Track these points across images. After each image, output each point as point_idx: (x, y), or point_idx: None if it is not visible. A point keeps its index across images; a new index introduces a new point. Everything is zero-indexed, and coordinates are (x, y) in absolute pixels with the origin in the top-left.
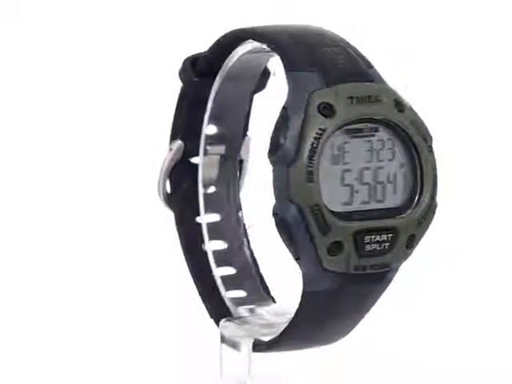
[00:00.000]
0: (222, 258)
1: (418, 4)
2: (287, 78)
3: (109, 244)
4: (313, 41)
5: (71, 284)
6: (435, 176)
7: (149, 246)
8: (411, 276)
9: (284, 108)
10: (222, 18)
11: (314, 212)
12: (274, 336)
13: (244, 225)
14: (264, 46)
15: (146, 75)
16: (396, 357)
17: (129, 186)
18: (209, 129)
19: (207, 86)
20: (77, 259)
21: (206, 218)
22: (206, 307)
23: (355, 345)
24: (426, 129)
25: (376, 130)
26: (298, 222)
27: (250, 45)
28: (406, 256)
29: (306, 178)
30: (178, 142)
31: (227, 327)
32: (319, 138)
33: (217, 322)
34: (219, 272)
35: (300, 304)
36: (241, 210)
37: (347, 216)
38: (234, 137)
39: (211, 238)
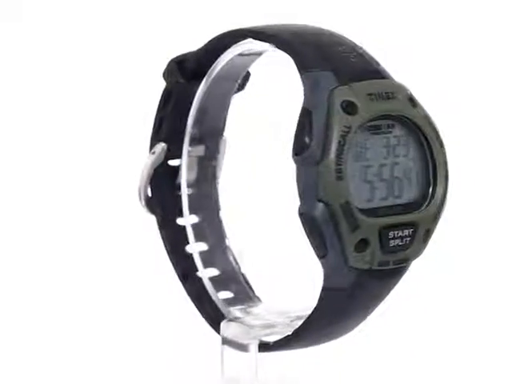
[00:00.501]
0: (207, 260)
1: (417, 4)
2: (302, 78)
3: (105, 246)
4: (321, 40)
5: (71, 285)
6: (447, 171)
7: (149, 247)
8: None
9: (305, 108)
10: (201, 18)
11: (343, 210)
12: (280, 336)
13: (223, 225)
14: (258, 48)
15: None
16: (396, 356)
17: (107, 191)
18: (193, 130)
19: (194, 88)
20: (76, 260)
21: (189, 220)
22: (198, 309)
23: (355, 344)
24: (435, 124)
25: (393, 127)
26: (327, 221)
27: (239, 47)
28: (422, 250)
29: (335, 176)
30: (162, 145)
31: (229, 329)
32: (345, 136)
33: (211, 324)
34: (206, 273)
35: (320, 301)
36: (220, 210)
37: (372, 212)
38: (213, 138)
39: (197, 239)
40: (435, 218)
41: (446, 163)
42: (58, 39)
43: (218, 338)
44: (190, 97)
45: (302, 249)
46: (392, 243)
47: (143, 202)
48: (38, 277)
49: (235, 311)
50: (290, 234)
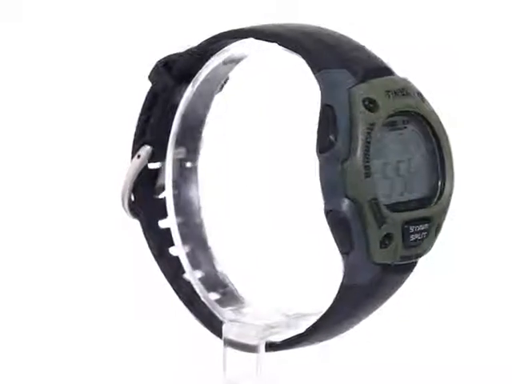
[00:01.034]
0: (193, 262)
1: (416, 4)
2: (317, 77)
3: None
4: (328, 39)
5: (71, 285)
6: (453, 166)
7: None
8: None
9: (327, 106)
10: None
11: (371, 206)
12: (281, 335)
13: (204, 227)
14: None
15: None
16: (397, 356)
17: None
18: (178, 132)
19: (181, 90)
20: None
21: (173, 222)
22: (190, 311)
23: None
24: (440, 118)
25: (408, 122)
26: (355, 217)
27: (226, 54)
28: (433, 245)
29: (363, 172)
30: (147, 148)
31: (233, 330)
32: (370, 133)
33: (206, 326)
34: (194, 275)
35: (338, 297)
36: (201, 211)
37: (395, 208)
38: (193, 139)
39: (183, 242)
40: (445, 212)
41: (452, 158)
42: (57, 39)
43: (212, 340)
44: (177, 98)
45: (293, 246)
46: (412, 238)
47: (127, 207)
48: (35, 278)
49: (227, 312)
50: (287, 232)
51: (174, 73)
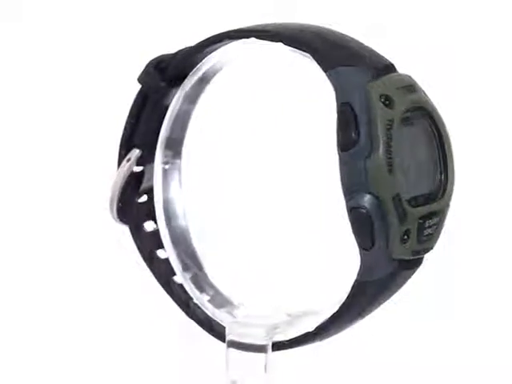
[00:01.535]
0: (181, 263)
1: (414, 4)
2: (329, 76)
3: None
4: (335, 38)
5: (70, 285)
6: (453, 161)
7: None
8: None
9: (344, 104)
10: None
11: (394, 202)
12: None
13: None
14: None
15: None
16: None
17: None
18: (167, 135)
19: (172, 91)
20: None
21: (164, 225)
22: (186, 314)
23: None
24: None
25: (417, 118)
26: (378, 213)
27: (214, 59)
28: (438, 240)
29: (386, 169)
30: (136, 152)
31: (239, 330)
32: (390, 130)
33: (203, 327)
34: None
35: (353, 294)
36: (186, 214)
37: (412, 203)
38: (178, 142)
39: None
40: (448, 207)
41: (452, 154)
42: (57, 39)
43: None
44: (168, 100)
45: (289, 245)
46: (425, 232)
47: (115, 213)
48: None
49: (221, 314)
50: (283, 231)
51: (165, 74)
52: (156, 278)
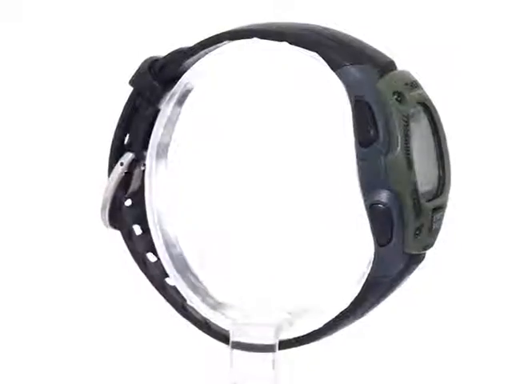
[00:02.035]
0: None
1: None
2: (339, 74)
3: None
4: (339, 36)
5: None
6: (450, 157)
7: None
8: None
9: (359, 101)
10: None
11: (412, 196)
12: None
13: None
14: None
15: None
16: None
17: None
18: (160, 137)
19: (165, 94)
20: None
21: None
22: (183, 316)
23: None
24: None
25: (422, 114)
26: (396, 208)
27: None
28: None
29: (406, 165)
30: (130, 155)
31: (246, 332)
32: (406, 125)
33: (200, 328)
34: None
35: (365, 289)
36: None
37: (425, 198)
38: (166, 144)
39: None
40: (447, 201)
41: (448, 150)
42: (57, 39)
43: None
44: (160, 103)
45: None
46: (434, 226)
47: (106, 217)
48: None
49: (217, 315)
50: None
51: (159, 76)
52: (150, 280)
